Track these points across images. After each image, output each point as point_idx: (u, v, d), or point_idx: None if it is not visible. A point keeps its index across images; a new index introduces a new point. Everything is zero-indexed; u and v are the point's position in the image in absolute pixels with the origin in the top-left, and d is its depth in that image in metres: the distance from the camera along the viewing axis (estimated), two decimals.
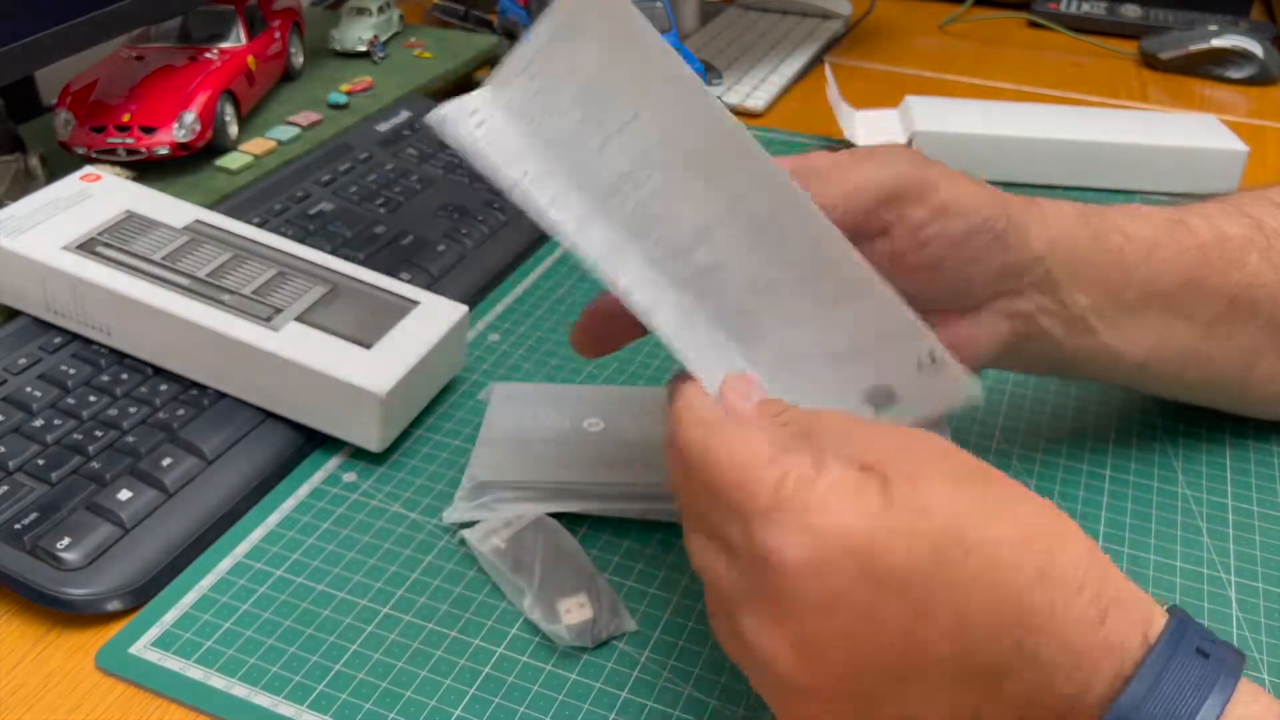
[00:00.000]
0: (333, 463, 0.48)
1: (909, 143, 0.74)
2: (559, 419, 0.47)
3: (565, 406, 0.48)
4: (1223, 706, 0.27)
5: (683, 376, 0.35)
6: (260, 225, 0.60)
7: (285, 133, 0.71)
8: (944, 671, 0.28)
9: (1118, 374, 0.46)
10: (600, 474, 0.44)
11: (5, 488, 0.43)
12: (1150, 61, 0.98)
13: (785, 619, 0.29)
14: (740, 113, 0.85)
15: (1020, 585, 0.28)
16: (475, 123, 0.36)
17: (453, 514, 0.44)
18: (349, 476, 0.47)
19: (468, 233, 0.63)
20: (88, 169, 0.56)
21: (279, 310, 0.49)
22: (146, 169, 0.65)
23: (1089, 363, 0.45)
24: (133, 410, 0.47)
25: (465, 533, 0.43)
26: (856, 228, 0.39)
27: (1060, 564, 0.28)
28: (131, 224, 0.52)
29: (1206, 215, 0.45)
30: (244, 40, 0.73)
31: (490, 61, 0.83)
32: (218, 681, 0.38)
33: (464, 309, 0.52)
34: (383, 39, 0.86)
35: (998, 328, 0.42)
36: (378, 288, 0.52)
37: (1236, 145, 0.73)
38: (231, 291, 0.49)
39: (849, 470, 0.30)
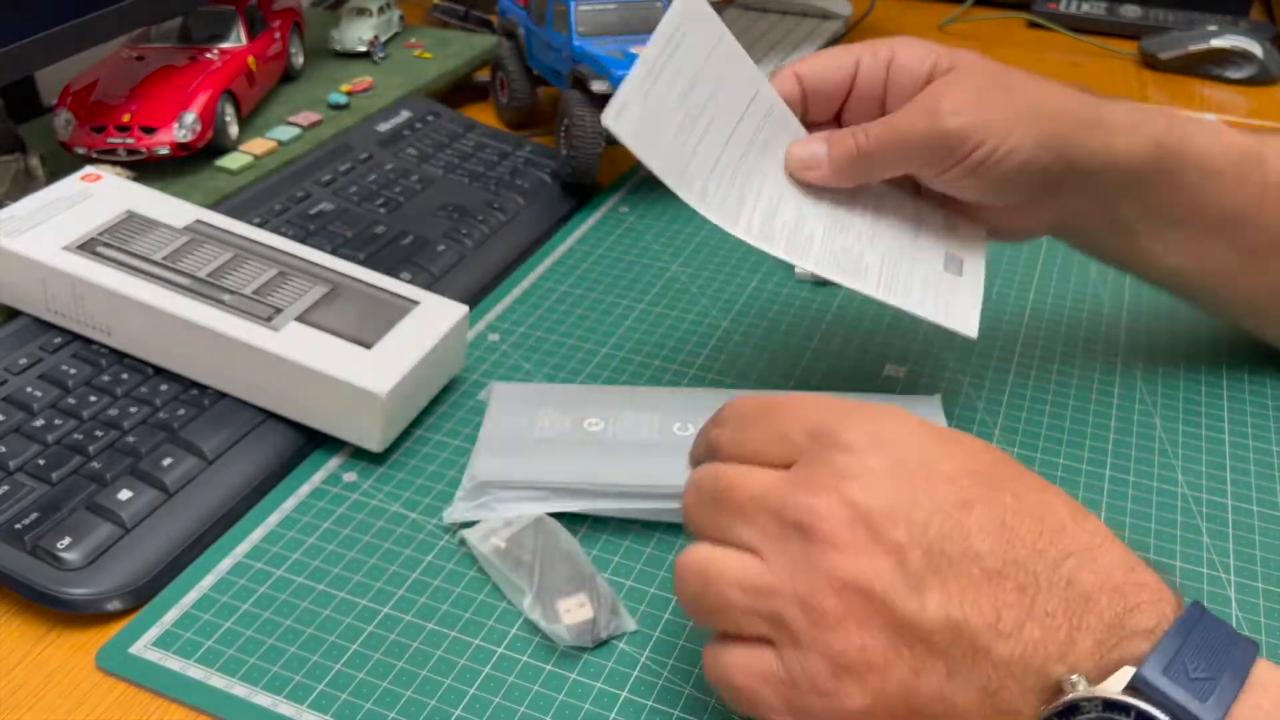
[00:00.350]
0: (333, 462, 0.48)
1: None
2: (559, 418, 0.47)
3: (565, 406, 0.48)
4: (1256, 653, 0.29)
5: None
6: (261, 225, 0.60)
7: (285, 133, 0.71)
8: (978, 570, 0.29)
9: (1151, 275, 0.50)
10: (601, 474, 0.44)
11: (6, 487, 0.43)
12: (1150, 62, 0.98)
13: (846, 484, 0.31)
14: None
15: (1057, 520, 0.30)
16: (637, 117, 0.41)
17: (453, 514, 0.44)
18: (349, 476, 0.47)
19: (468, 233, 0.63)
20: (88, 169, 0.56)
21: (279, 310, 0.49)
22: (147, 169, 0.66)
23: (1125, 259, 0.49)
24: (133, 410, 0.47)
25: (465, 533, 0.43)
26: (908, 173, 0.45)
27: (1089, 519, 0.30)
28: (132, 224, 0.52)
29: None
30: (244, 40, 0.73)
31: (490, 62, 0.83)
32: (218, 681, 0.38)
33: (464, 309, 0.52)
34: (383, 39, 0.86)
35: (1041, 220, 0.47)
36: (378, 288, 0.52)
37: None
38: (232, 291, 0.49)
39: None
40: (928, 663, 0.29)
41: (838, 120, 0.47)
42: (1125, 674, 0.28)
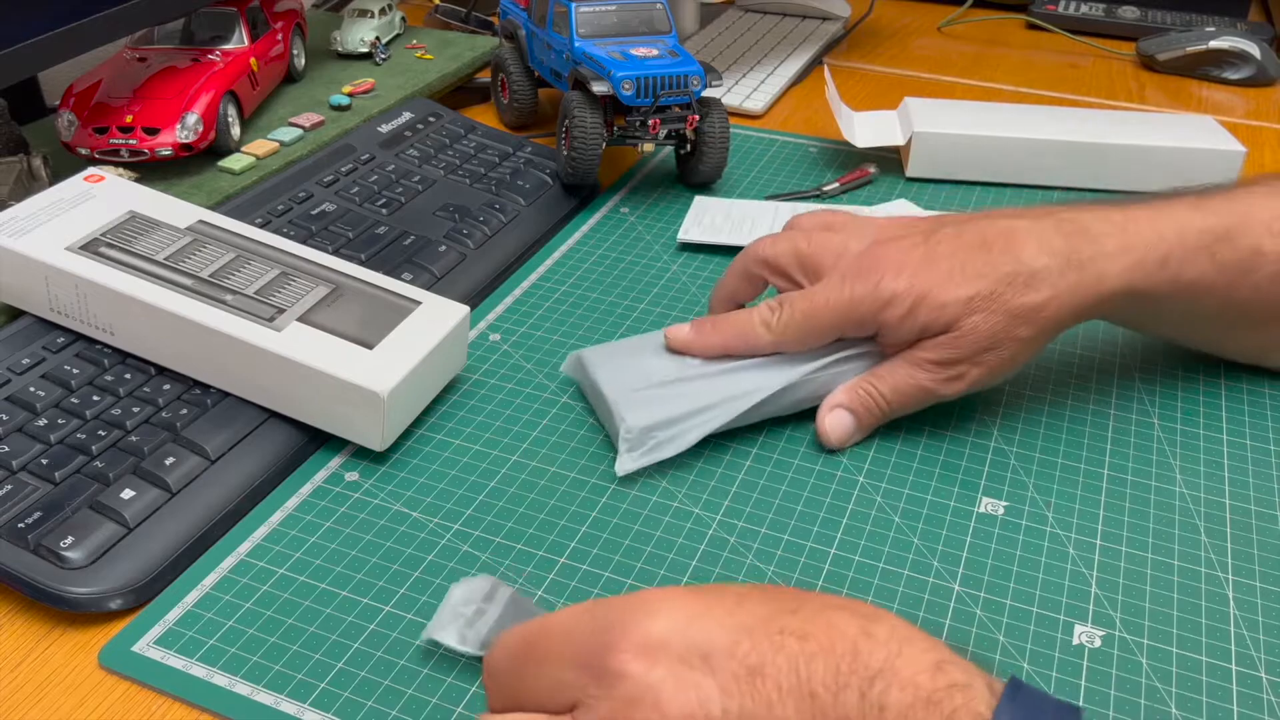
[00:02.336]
0: (335, 462, 0.48)
1: (908, 143, 0.75)
2: (666, 361, 0.50)
3: (660, 352, 0.51)
4: None
5: None
6: (263, 226, 0.60)
7: (287, 134, 0.71)
8: None
9: (1139, 332, 0.55)
10: (737, 386, 0.48)
11: (9, 487, 0.43)
12: (1148, 63, 0.98)
13: (637, 711, 0.29)
14: (740, 114, 0.85)
15: (853, 636, 0.29)
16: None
17: (624, 466, 0.46)
18: (351, 475, 0.48)
19: (469, 233, 0.63)
20: (91, 170, 0.56)
21: (281, 310, 0.49)
22: (149, 170, 0.66)
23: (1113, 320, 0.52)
24: (136, 410, 0.47)
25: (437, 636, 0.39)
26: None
27: (880, 624, 0.29)
28: (134, 224, 0.53)
29: (1275, 234, 0.48)
30: (246, 42, 0.73)
31: (491, 63, 0.83)
32: (220, 679, 0.38)
33: (465, 309, 0.52)
34: (384, 41, 0.87)
35: (1024, 359, 0.49)
36: (380, 288, 0.52)
37: (1234, 146, 0.73)
38: (234, 292, 0.49)
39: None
40: None
41: None
42: None
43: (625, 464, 0.46)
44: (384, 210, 0.64)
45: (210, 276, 0.50)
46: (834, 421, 0.48)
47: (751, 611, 0.30)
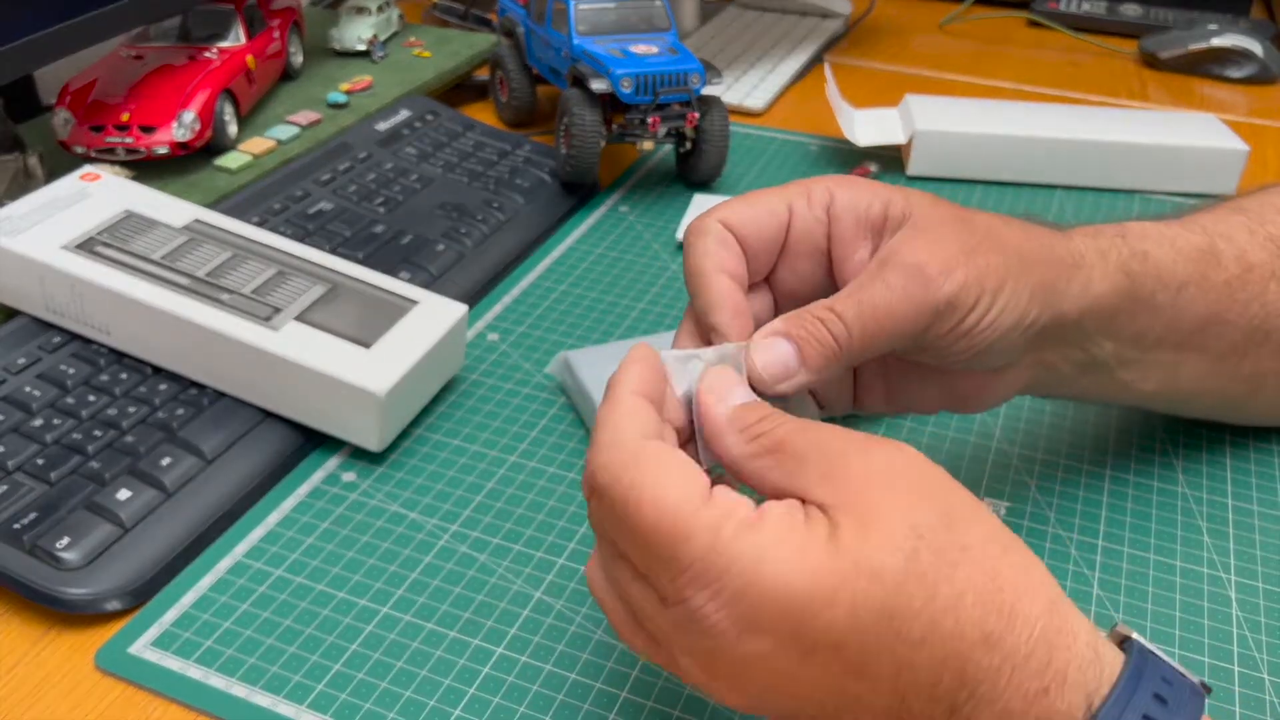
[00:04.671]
0: (332, 462, 0.48)
1: (909, 141, 0.74)
2: None
3: None
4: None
5: (614, 384, 0.31)
6: (259, 224, 0.60)
7: (284, 132, 0.71)
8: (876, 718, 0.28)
9: (1126, 401, 0.46)
10: None
11: (4, 487, 0.43)
12: (1150, 61, 0.97)
13: (717, 665, 0.28)
14: (740, 112, 0.85)
15: (964, 651, 0.26)
16: None
17: None
18: (348, 476, 0.47)
19: (467, 232, 0.62)
20: (87, 168, 0.56)
21: (278, 310, 0.49)
22: (146, 168, 0.65)
23: (1100, 394, 0.44)
24: (132, 410, 0.47)
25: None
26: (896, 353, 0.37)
27: (1014, 626, 0.27)
28: (131, 223, 0.52)
29: (1233, 240, 0.43)
30: (243, 39, 0.72)
31: (489, 61, 0.83)
32: (217, 681, 0.38)
33: (463, 308, 0.52)
34: (382, 38, 0.86)
35: (1019, 378, 0.40)
36: (377, 287, 0.52)
37: (1236, 144, 0.73)
38: (231, 291, 0.49)
39: (795, 514, 0.28)
40: None
41: (766, 280, 0.38)
42: None
43: None
44: (381, 209, 0.64)
45: (207, 276, 0.50)
46: (768, 352, 0.33)
47: (859, 611, 0.27)
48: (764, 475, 0.30)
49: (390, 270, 0.58)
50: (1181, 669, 0.28)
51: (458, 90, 0.87)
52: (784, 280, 0.38)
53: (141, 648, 0.39)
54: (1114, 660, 0.28)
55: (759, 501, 0.29)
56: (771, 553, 0.27)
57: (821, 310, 0.34)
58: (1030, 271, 0.37)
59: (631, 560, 0.29)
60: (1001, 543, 0.28)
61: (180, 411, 0.47)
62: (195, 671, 0.38)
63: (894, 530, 0.27)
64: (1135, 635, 0.29)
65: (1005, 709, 0.27)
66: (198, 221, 0.54)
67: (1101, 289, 0.39)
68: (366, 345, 0.48)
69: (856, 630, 0.26)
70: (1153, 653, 0.28)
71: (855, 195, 0.36)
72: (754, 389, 0.33)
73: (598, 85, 0.64)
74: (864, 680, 0.27)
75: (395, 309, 0.50)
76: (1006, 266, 0.36)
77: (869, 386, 0.40)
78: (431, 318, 0.50)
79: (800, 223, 0.36)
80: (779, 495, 0.29)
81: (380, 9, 0.87)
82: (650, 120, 0.66)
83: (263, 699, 0.37)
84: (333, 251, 0.59)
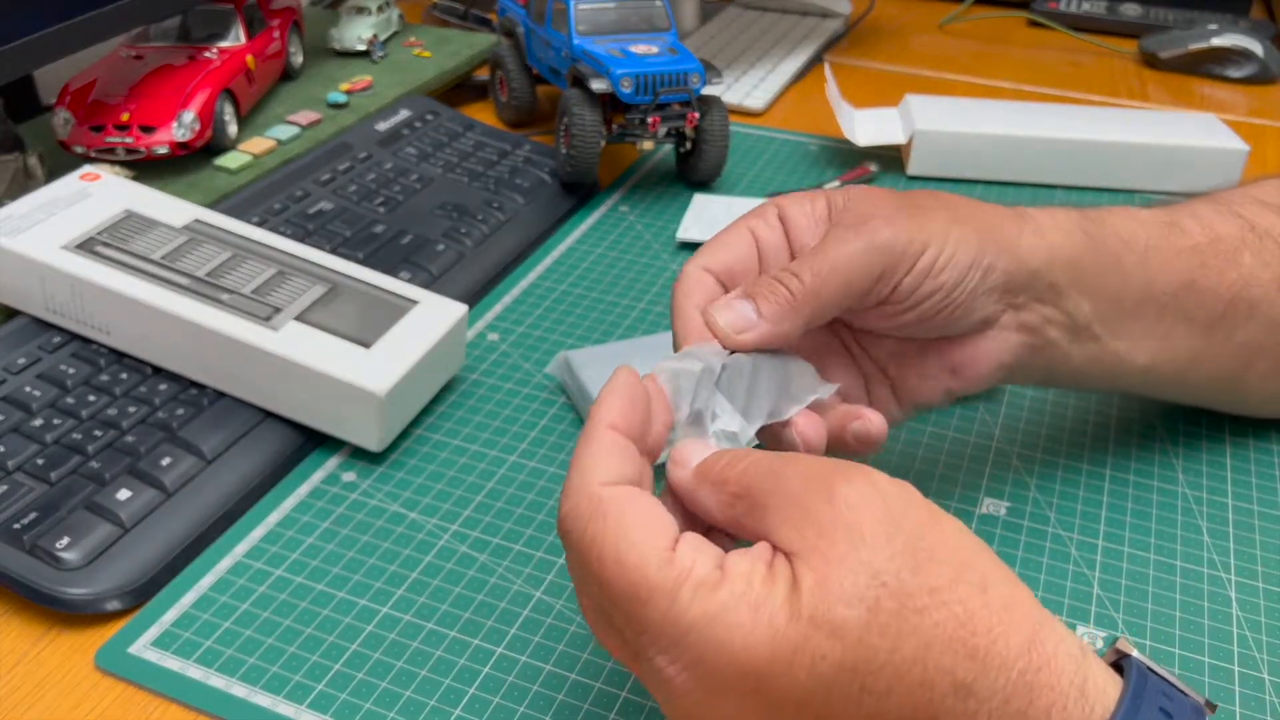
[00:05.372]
0: (332, 462, 0.48)
1: (909, 141, 0.74)
2: (652, 366, 0.49)
3: (649, 355, 0.50)
4: None
5: (592, 417, 0.32)
6: (259, 224, 0.60)
7: (284, 132, 0.71)
8: None
9: (1124, 381, 0.46)
10: None
11: (4, 487, 0.43)
12: (1150, 60, 0.97)
13: (685, 717, 0.28)
14: (740, 112, 0.85)
15: (935, 700, 0.26)
16: None
17: None
18: (348, 476, 0.47)
19: (467, 232, 0.62)
20: (87, 168, 0.56)
21: (278, 309, 0.49)
22: (146, 168, 0.65)
23: (1097, 371, 0.44)
24: (132, 410, 0.47)
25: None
26: (852, 309, 0.38)
27: (988, 670, 0.26)
28: (131, 223, 0.52)
29: (1197, 215, 0.45)
30: (243, 39, 0.72)
31: (489, 61, 0.83)
32: (217, 681, 0.38)
33: (463, 308, 0.52)
34: (382, 38, 0.86)
35: (1007, 341, 0.41)
36: (377, 287, 0.52)
37: (1237, 144, 0.72)
38: (231, 291, 0.49)
39: (756, 570, 0.27)
40: None
41: None
42: None
43: None
44: (381, 209, 0.64)
45: (207, 275, 0.50)
46: (726, 310, 0.36)
47: (820, 669, 0.26)
48: (739, 522, 0.30)
49: (390, 270, 0.58)
50: (1184, 687, 0.28)
51: (458, 90, 0.87)
52: None
53: (141, 648, 0.39)
54: (1109, 691, 0.27)
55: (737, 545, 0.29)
56: (729, 617, 0.26)
57: (777, 271, 0.37)
58: (973, 220, 0.39)
59: (602, 608, 0.29)
60: (977, 580, 0.27)
61: (180, 411, 0.47)
62: (195, 671, 0.38)
63: (856, 580, 0.26)
64: (1134, 654, 0.28)
65: None
66: (198, 221, 0.54)
67: (1055, 239, 0.41)
68: (366, 345, 0.48)
69: (820, 688, 0.26)
70: (1152, 672, 0.28)
71: (799, 202, 0.40)
72: (724, 347, 0.35)
73: (598, 85, 0.64)
74: None
75: (395, 309, 0.50)
76: (948, 216, 0.38)
77: (877, 395, 0.41)
78: (431, 318, 0.50)
79: (765, 240, 0.39)
80: (757, 538, 0.29)
81: (380, 9, 0.87)
82: (650, 120, 0.66)
83: (263, 699, 0.37)
84: (333, 251, 0.59)
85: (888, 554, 0.27)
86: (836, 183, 0.73)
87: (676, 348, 0.37)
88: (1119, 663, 0.28)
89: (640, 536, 0.28)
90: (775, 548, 0.28)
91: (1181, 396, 0.49)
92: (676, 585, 0.27)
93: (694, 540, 0.28)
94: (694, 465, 0.31)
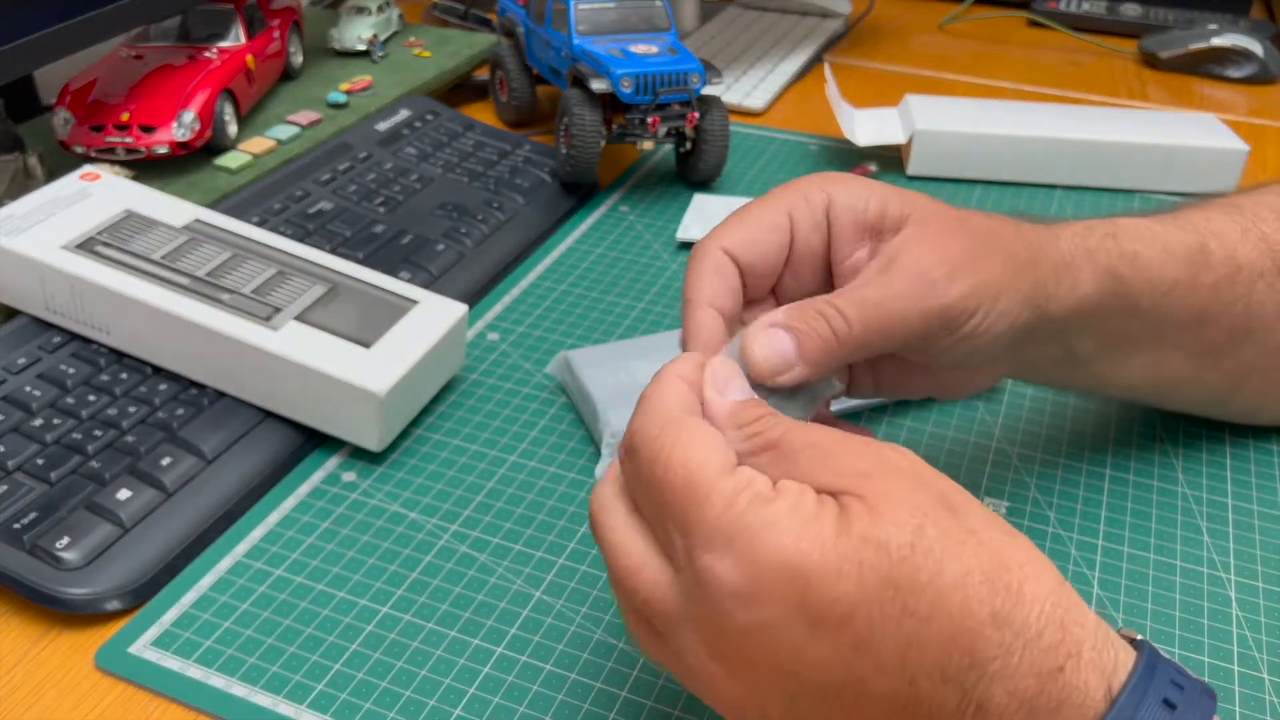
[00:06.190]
0: (332, 462, 0.48)
1: (909, 141, 0.74)
2: (653, 365, 0.49)
3: (650, 355, 0.50)
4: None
5: (664, 369, 0.32)
6: (259, 224, 0.60)
7: (284, 132, 0.71)
8: (882, 708, 0.27)
9: (1104, 391, 0.46)
10: None
11: (4, 487, 0.43)
12: (1150, 60, 0.97)
13: (719, 641, 0.28)
14: (740, 112, 0.85)
15: (974, 628, 0.26)
16: None
17: (605, 470, 0.45)
18: (348, 476, 0.47)
19: (467, 232, 0.62)
20: (87, 168, 0.56)
21: (278, 309, 0.49)
22: (146, 168, 0.65)
23: (1073, 385, 0.45)
24: (132, 410, 0.47)
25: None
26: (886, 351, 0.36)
27: (1022, 603, 0.27)
28: (131, 223, 0.52)
29: (1225, 239, 0.43)
30: (243, 39, 0.72)
31: (489, 61, 0.82)
32: (217, 681, 0.38)
33: (463, 308, 0.52)
34: (382, 38, 0.86)
35: (1000, 368, 0.41)
36: (377, 287, 0.52)
37: (1236, 144, 0.72)
38: (231, 291, 0.49)
39: (806, 494, 0.28)
40: None
41: (772, 291, 0.38)
42: None
43: (606, 468, 0.46)
44: (381, 209, 0.64)
45: (207, 275, 0.50)
46: (767, 345, 0.33)
47: (877, 572, 0.27)
48: (762, 470, 0.30)
49: (390, 270, 0.58)
50: (1190, 672, 0.28)
51: (458, 90, 0.87)
52: (787, 289, 0.38)
53: (141, 647, 0.39)
54: (1126, 648, 0.28)
55: None
56: (783, 523, 0.27)
57: (824, 305, 0.34)
58: (1024, 276, 0.37)
59: (656, 527, 0.30)
60: (1004, 529, 0.28)
61: (180, 411, 0.47)
62: (195, 671, 0.38)
63: (900, 509, 0.27)
64: (1140, 637, 0.29)
65: (1018, 688, 0.26)
66: (198, 221, 0.54)
67: (1088, 290, 0.39)
68: (366, 345, 0.48)
69: (864, 601, 0.26)
70: (1160, 653, 0.28)
71: (852, 196, 0.36)
72: (749, 379, 0.33)
73: (598, 85, 0.64)
74: (870, 657, 0.27)
75: (395, 309, 0.50)
76: (1004, 274, 0.36)
77: (859, 379, 0.40)
78: (431, 318, 0.50)
79: (801, 232, 0.36)
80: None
81: (380, 9, 0.87)
82: (650, 120, 0.66)
83: (263, 699, 0.37)
84: (333, 251, 0.59)
85: (926, 496, 0.28)
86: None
87: (684, 343, 0.35)
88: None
89: (707, 447, 0.29)
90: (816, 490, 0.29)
91: (1165, 408, 0.49)
92: (736, 490, 0.28)
93: (753, 469, 0.29)
94: (731, 399, 0.31)
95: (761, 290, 0.37)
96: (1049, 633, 0.27)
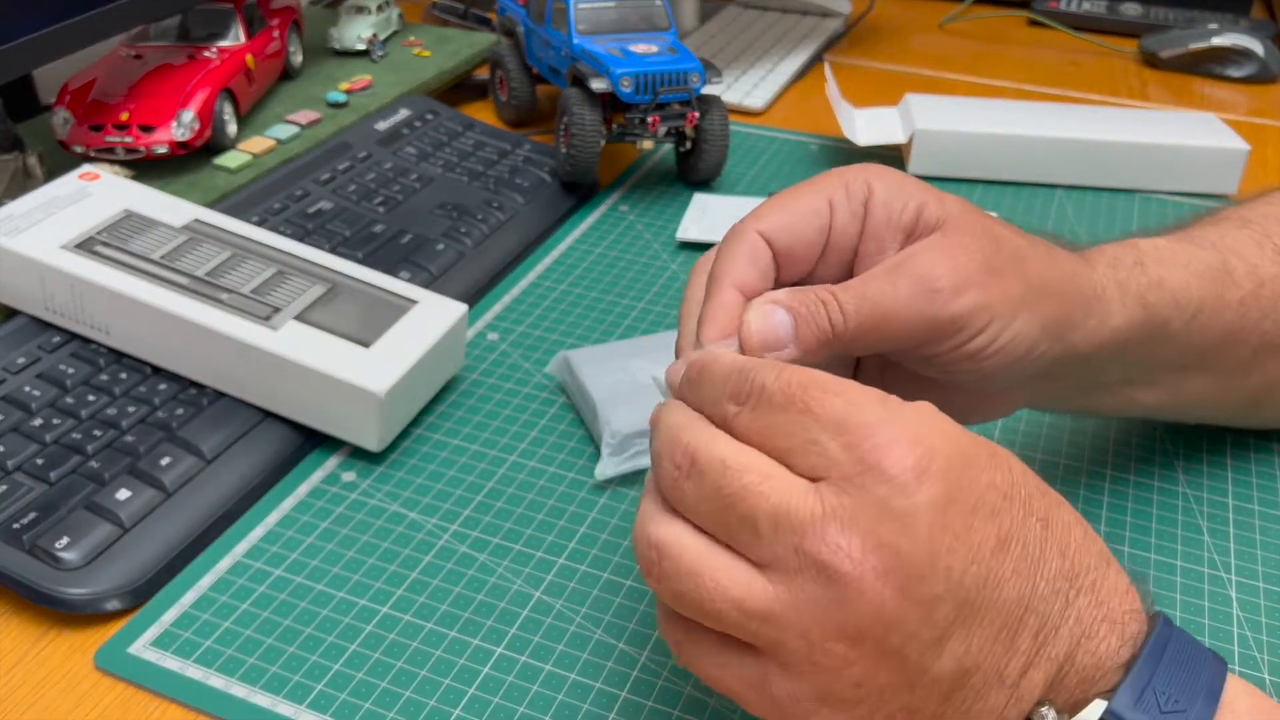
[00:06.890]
0: (332, 462, 0.48)
1: (909, 141, 0.74)
2: (653, 365, 0.49)
3: (649, 355, 0.50)
4: (1225, 672, 0.29)
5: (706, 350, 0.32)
6: (259, 224, 0.60)
7: (284, 131, 0.71)
8: (1004, 618, 0.28)
9: (1124, 415, 0.45)
10: None
11: (4, 487, 0.43)
12: (1150, 60, 0.97)
13: (883, 527, 0.27)
14: (740, 111, 0.85)
15: (1075, 543, 0.29)
16: None
17: (604, 470, 0.46)
18: (348, 476, 0.47)
19: (467, 231, 0.62)
20: (86, 168, 0.56)
21: (278, 309, 0.49)
22: (145, 168, 0.65)
23: (1095, 410, 0.45)
24: (131, 409, 0.47)
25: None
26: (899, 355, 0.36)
27: (1088, 536, 0.30)
28: (130, 223, 0.52)
29: (1244, 256, 0.43)
30: (243, 39, 0.72)
31: (489, 60, 0.82)
32: (217, 681, 0.38)
33: (463, 308, 0.52)
34: (382, 37, 0.86)
35: (1018, 398, 0.40)
36: (377, 287, 0.52)
37: (1237, 144, 0.72)
38: (230, 290, 0.49)
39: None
40: (922, 700, 0.28)
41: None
42: (1097, 708, 0.27)
43: (606, 469, 0.46)
44: (381, 208, 0.64)
45: (206, 275, 0.50)
46: (764, 319, 0.33)
47: (1014, 478, 0.29)
48: None
49: (390, 270, 0.58)
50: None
51: (458, 90, 0.87)
52: (816, 275, 0.37)
53: (141, 647, 0.39)
54: (1145, 613, 0.30)
55: None
56: (937, 416, 0.29)
57: (824, 292, 0.33)
58: (1046, 303, 0.36)
59: (795, 449, 0.28)
60: (1056, 498, 0.31)
61: (180, 411, 0.47)
62: (195, 671, 0.38)
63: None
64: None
65: (1102, 600, 0.29)
66: (197, 221, 0.54)
67: (1118, 323, 0.38)
68: (366, 345, 0.48)
69: (1009, 497, 0.28)
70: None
71: (892, 192, 0.35)
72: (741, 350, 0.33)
73: (598, 85, 0.64)
74: (1009, 559, 0.28)
75: (395, 309, 0.50)
76: (1024, 296, 0.35)
77: (865, 364, 0.39)
78: (431, 317, 0.50)
79: (839, 220, 0.35)
80: None
81: (380, 8, 0.87)
82: (650, 120, 0.66)
83: (263, 699, 0.37)
84: (332, 251, 0.59)
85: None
86: None
87: (702, 320, 0.34)
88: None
89: (838, 380, 0.29)
90: None
91: (1187, 421, 0.49)
92: (883, 397, 0.29)
93: None
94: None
95: (795, 275, 0.36)
96: (1114, 565, 0.30)
